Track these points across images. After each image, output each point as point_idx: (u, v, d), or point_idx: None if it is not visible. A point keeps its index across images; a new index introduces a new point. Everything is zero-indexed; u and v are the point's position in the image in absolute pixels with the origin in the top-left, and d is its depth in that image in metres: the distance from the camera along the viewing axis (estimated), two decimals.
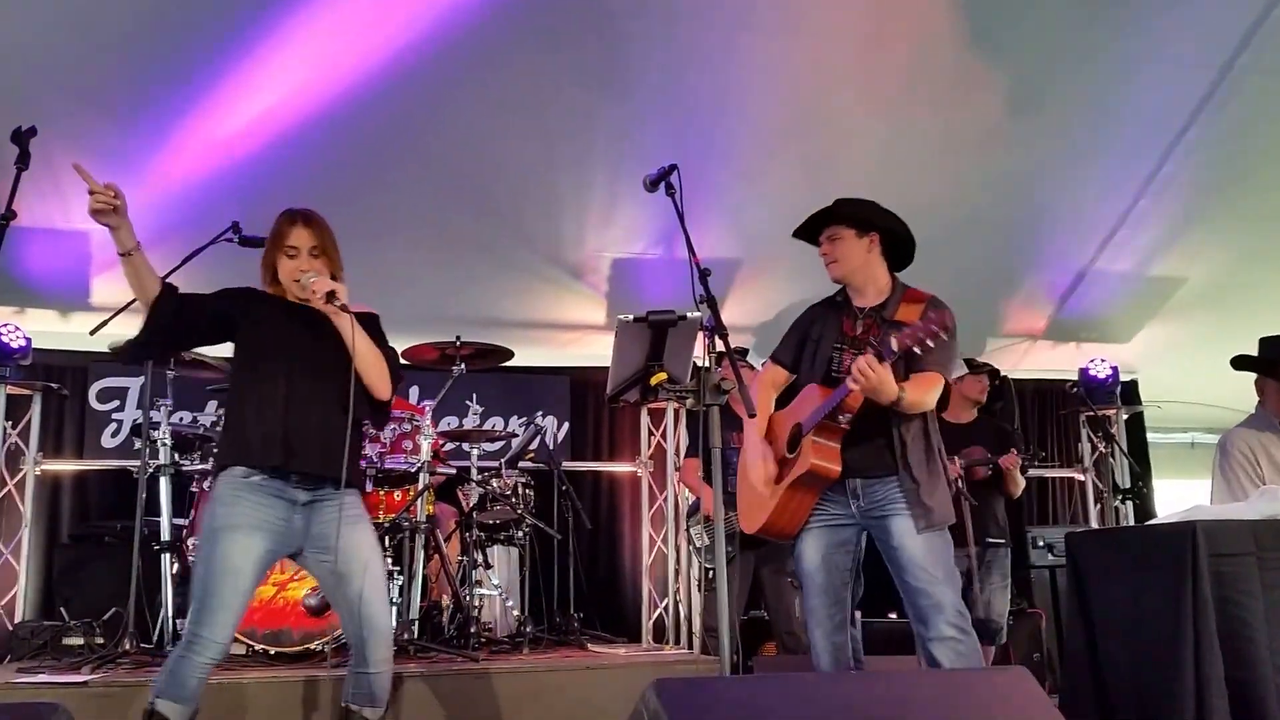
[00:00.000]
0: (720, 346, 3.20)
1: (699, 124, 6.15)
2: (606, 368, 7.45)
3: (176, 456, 4.95)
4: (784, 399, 3.76)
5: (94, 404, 6.68)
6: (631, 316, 3.11)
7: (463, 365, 5.39)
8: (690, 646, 6.49)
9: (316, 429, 3.15)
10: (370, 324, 3.36)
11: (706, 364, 3.16)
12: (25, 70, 5.38)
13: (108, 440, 6.63)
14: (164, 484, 4.85)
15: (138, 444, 6.44)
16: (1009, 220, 6.94)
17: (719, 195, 6.49)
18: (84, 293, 6.44)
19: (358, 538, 3.18)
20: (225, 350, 5.58)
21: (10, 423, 6.25)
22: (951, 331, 3.21)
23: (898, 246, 3.69)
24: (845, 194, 3.85)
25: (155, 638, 4.90)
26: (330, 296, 3.13)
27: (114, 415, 6.67)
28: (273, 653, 4.61)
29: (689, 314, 3.09)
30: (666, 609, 7.00)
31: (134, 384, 6.68)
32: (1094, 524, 7.61)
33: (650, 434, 7.33)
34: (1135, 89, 6.14)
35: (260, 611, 4.59)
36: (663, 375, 3.10)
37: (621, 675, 4.44)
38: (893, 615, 5.98)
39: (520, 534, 5.62)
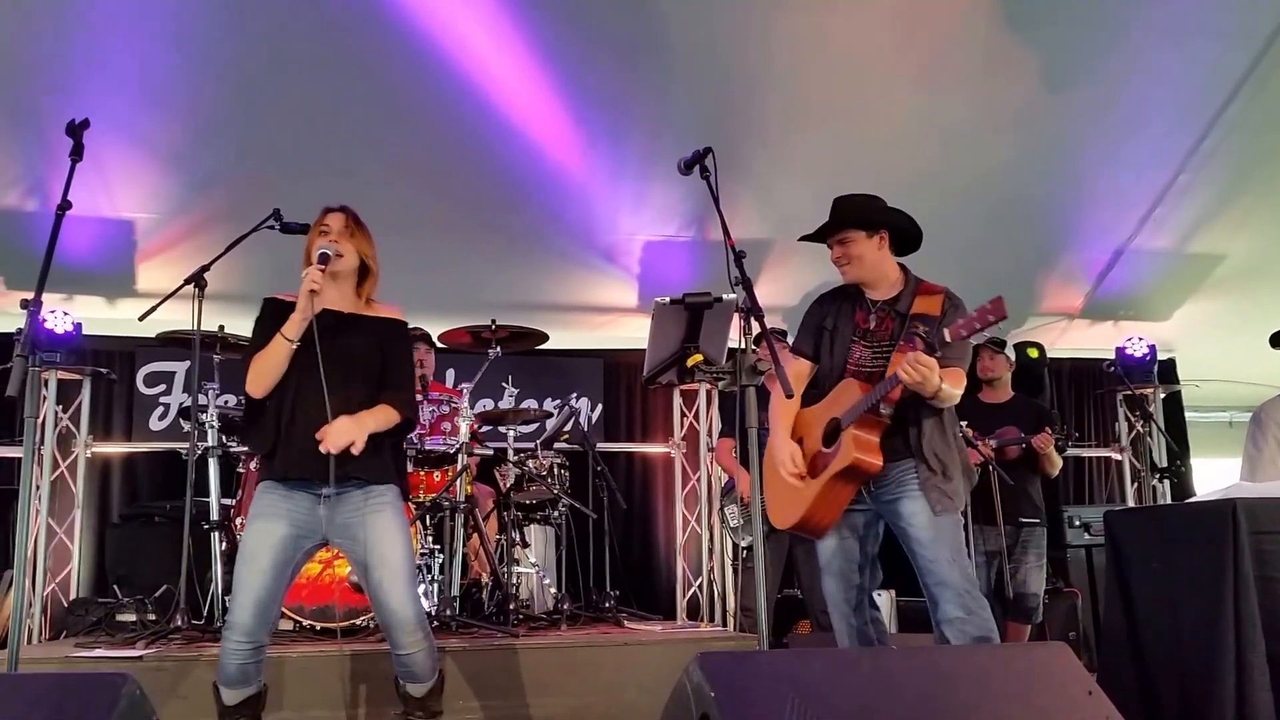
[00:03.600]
0: (756, 328, 3.22)
1: (733, 103, 6.16)
2: (639, 350, 7.55)
3: (224, 438, 5.04)
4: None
5: (141, 388, 6.81)
6: (668, 299, 3.14)
7: (498, 348, 5.45)
8: (724, 624, 6.55)
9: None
10: (395, 331, 3.41)
11: (742, 345, 3.19)
12: (82, 62, 5.50)
13: (155, 423, 6.76)
14: (212, 465, 4.94)
15: (186, 426, 6.65)
16: (1046, 197, 6.90)
17: (752, 175, 6.49)
18: (129, 279, 6.56)
19: (379, 529, 3.22)
20: None
21: (61, 406, 6.38)
22: (1001, 307, 3.20)
23: (903, 235, 3.72)
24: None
25: (205, 614, 5.01)
26: (323, 258, 3.20)
27: (161, 399, 6.80)
28: (319, 628, 4.70)
29: (725, 296, 3.10)
30: (700, 587, 7.05)
31: (180, 368, 6.81)
32: (1130, 503, 7.58)
33: (683, 415, 7.37)
34: (1177, 62, 6.09)
35: (307, 588, 4.69)
36: (699, 357, 3.13)
37: (658, 652, 4.49)
38: None
39: (556, 513, 5.69)
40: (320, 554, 4.67)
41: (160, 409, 6.78)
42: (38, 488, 6.24)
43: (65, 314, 6.32)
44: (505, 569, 5.10)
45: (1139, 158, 6.70)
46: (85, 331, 6.37)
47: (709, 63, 5.92)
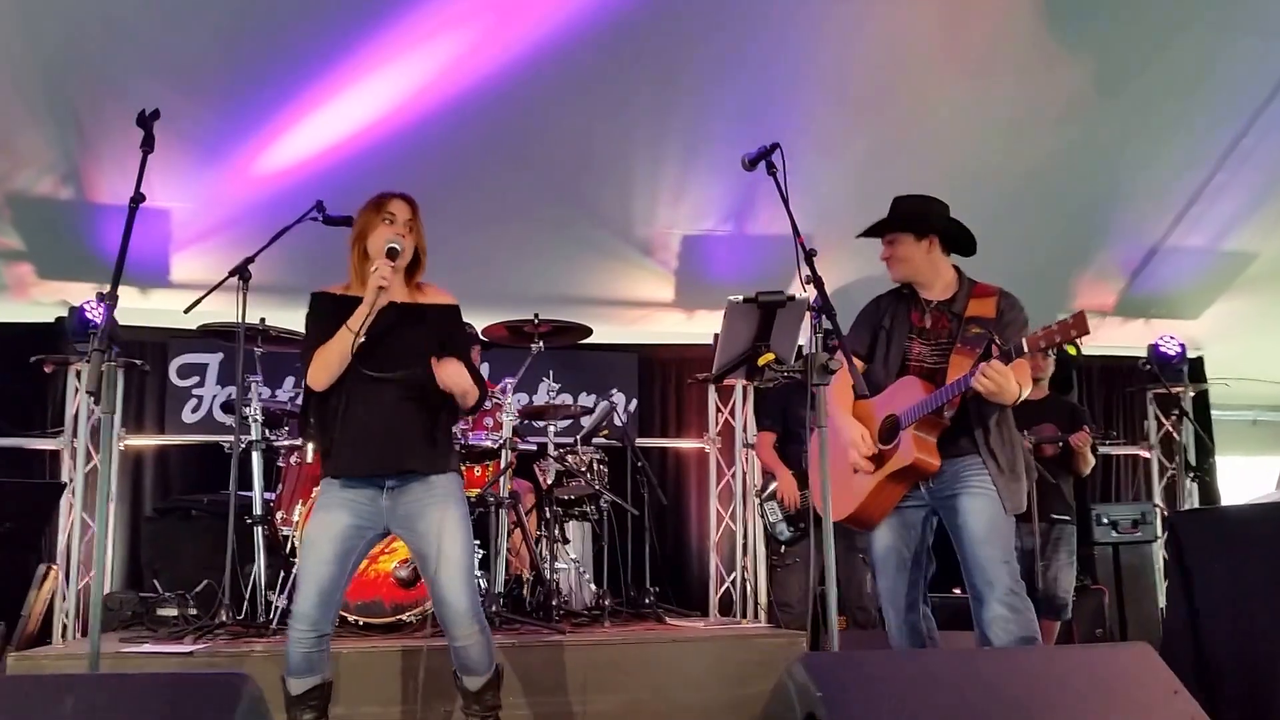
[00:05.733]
0: (828, 326, 3.21)
1: (776, 97, 6.15)
2: (675, 344, 7.53)
3: (267, 432, 5.03)
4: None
5: (174, 380, 6.78)
6: (741, 297, 3.13)
7: (541, 343, 5.41)
8: (757, 619, 6.55)
9: (379, 426, 3.22)
10: (453, 317, 3.43)
11: (813, 345, 3.17)
12: (119, 50, 5.48)
13: (188, 416, 6.74)
14: (255, 459, 4.93)
15: (220, 418, 6.65)
16: (1086, 194, 6.89)
17: (794, 170, 6.44)
18: (164, 270, 6.54)
19: (437, 520, 3.24)
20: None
21: (94, 398, 6.35)
22: (1084, 321, 3.21)
23: (959, 238, 3.74)
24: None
25: (245, 608, 4.99)
26: (391, 253, 3.21)
27: (194, 391, 6.77)
28: (363, 624, 4.69)
29: (797, 294, 3.09)
30: (734, 583, 7.04)
31: (213, 360, 6.79)
32: (1158, 500, 7.57)
33: (718, 411, 7.35)
34: (1221, 61, 6.07)
35: (353, 584, 4.66)
36: (771, 355, 3.12)
37: (706, 649, 4.49)
38: (956, 591, 6.01)
39: (593, 509, 5.68)
40: None
41: (193, 401, 6.76)
42: (71, 480, 6.24)
43: (101, 304, 6.29)
44: (549, 565, 5.09)
45: (1179, 156, 6.69)
46: (119, 322, 6.34)
47: (755, 55, 5.90)
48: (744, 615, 6.74)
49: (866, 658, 2.32)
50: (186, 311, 4.68)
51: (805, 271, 3.22)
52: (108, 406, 2.98)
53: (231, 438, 4.82)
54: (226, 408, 5.53)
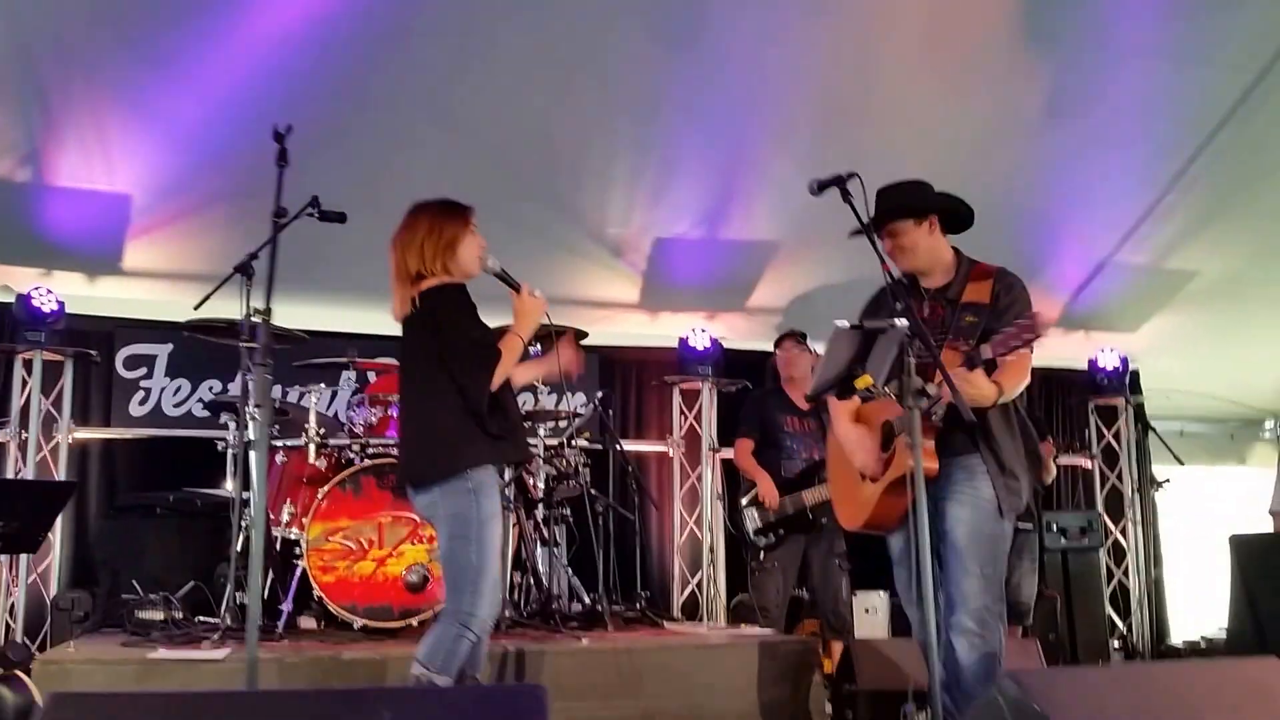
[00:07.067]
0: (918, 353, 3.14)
1: (759, 102, 6.18)
2: (636, 346, 7.43)
3: (274, 430, 4.86)
4: None
5: (121, 371, 6.44)
6: (847, 323, 3.11)
7: (538, 345, 5.29)
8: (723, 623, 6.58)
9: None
10: None
11: (908, 370, 3.12)
12: (86, 20, 5.20)
13: (135, 408, 6.41)
14: (254, 458, 4.70)
15: (170, 413, 6.37)
16: (1037, 210, 7.07)
17: (768, 176, 6.53)
18: (116, 256, 6.20)
19: None
20: (309, 322, 5.53)
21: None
22: (1040, 323, 3.11)
23: (957, 213, 3.61)
24: (889, 179, 3.71)
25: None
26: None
27: (141, 383, 6.45)
28: (371, 628, 4.54)
29: (896, 323, 3.09)
30: (700, 587, 7.05)
31: (161, 351, 6.49)
32: (1100, 509, 7.86)
33: (682, 414, 7.34)
34: (1175, 86, 6.29)
35: (360, 587, 4.53)
36: (869, 379, 3.10)
37: (725, 654, 4.50)
38: None
39: (568, 512, 5.61)
40: (373, 552, 4.59)
41: (140, 393, 6.43)
42: (20, 474, 5.89)
43: (49, 292, 5.97)
44: (548, 569, 5.02)
45: (1129, 176, 6.93)
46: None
47: (744, 57, 5.91)
48: (709, 618, 6.75)
49: (1068, 673, 2.36)
50: (197, 308, 4.45)
51: (898, 304, 3.15)
52: (266, 419, 3.13)
53: (198, 433, 4.65)
54: (219, 407, 5.28)
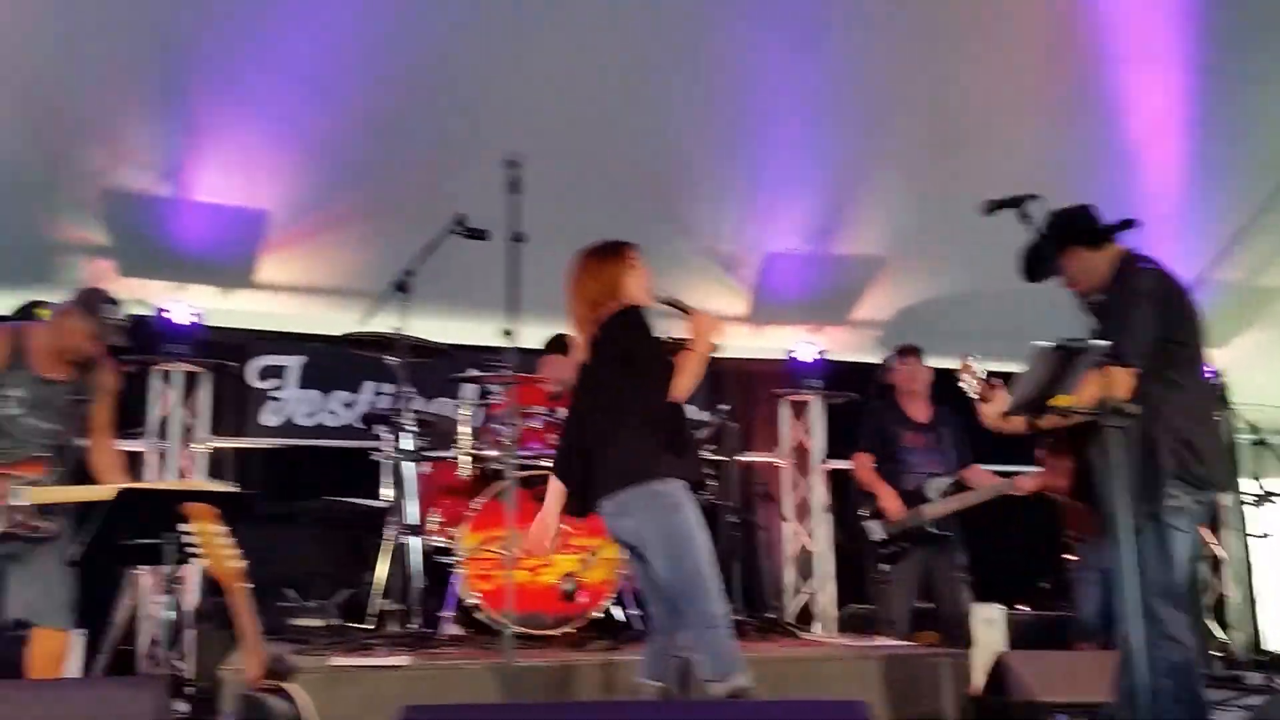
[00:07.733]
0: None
1: (870, 125, 6.36)
2: (746, 359, 7.54)
3: (421, 442, 5.01)
4: None
5: (253, 382, 6.65)
6: (1051, 343, 3.25)
7: None
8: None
9: None
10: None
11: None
12: (229, 40, 5.42)
13: (268, 418, 6.61)
14: (406, 470, 4.89)
15: (300, 423, 6.57)
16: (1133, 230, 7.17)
17: (876, 192, 6.68)
18: (248, 270, 6.39)
19: None
20: (460, 336, 5.64)
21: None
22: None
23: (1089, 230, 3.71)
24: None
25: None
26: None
27: (272, 394, 6.65)
28: (522, 634, 4.67)
29: (1094, 343, 3.23)
30: (814, 598, 7.18)
31: (293, 363, 6.69)
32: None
33: (791, 426, 7.48)
34: (1274, 110, 6.46)
35: (516, 596, 4.67)
36: (1069, 398, 3.24)
37: (875, 667, 4.54)
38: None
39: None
40: (528, 561, 4.75)
41: (273, 404, 6.64)
42: None
43: (188, 306, 6.18)
44: None
45: (1224, 194, 7.05)
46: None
47: (852, 79, 6.12)
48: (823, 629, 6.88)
49: None
50: (361, 324, 4.63)
51: (1094, 325, 3.31)
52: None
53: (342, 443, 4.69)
54: (373, 419, 5.45)
